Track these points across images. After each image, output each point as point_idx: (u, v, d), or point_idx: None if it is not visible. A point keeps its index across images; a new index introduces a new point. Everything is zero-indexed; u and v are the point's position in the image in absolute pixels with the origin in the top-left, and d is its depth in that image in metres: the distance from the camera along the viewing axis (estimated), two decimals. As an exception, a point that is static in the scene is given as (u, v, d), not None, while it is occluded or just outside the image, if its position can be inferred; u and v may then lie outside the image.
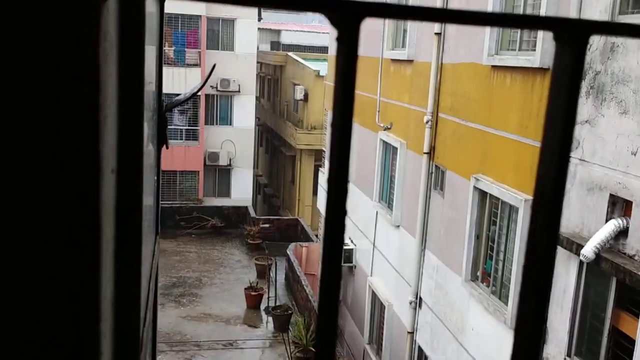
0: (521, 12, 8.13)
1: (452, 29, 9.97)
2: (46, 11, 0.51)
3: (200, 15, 25.53)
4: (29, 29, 0.51)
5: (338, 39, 0.42)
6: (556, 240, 0.51)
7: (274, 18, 44.85)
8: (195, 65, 25.71)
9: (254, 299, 17.83)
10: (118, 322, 0.79)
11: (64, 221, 0.56)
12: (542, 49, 7.35)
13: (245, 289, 18.05)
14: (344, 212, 0.45)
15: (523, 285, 0.51)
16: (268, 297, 17.76)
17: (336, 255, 0.45)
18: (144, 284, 1.33)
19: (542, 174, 0.51)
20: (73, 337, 0.59)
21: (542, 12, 7.38)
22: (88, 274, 0.58)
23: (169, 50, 25.49)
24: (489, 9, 8.54)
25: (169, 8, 26.91)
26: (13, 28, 0.50)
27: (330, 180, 0.45)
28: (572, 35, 0.48)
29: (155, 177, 1.97)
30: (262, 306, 17.88)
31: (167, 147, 2.06)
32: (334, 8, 0.42)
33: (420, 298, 11.01)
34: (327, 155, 17.99)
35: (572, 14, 6.84)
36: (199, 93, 25.44)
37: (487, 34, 8.60)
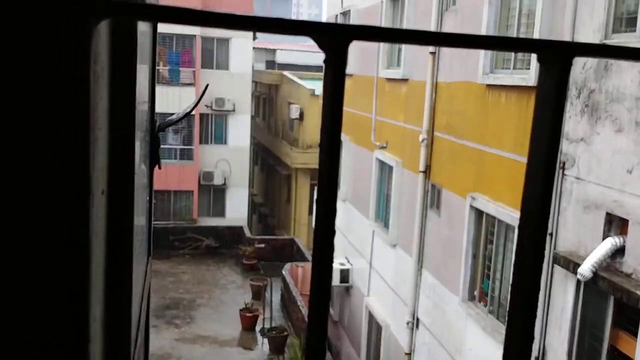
0: (515, 30, 8.18)
1: (447, 49, 10.03)
2: (37, 34, 0.51)
3: (195, 35, 25.66)
4: (19, 51, 0.52)
5: (325, 62, 0.42)
6: (542, 255, 0.52)
7: (269, 37, 45.17)
8: (190, 84, 25.78)
9: (249, 321, 17.66)
10: (108, 343, 0.77)
11: (53, 242, 0.56)
12: (536, 68, 7.38)
13: (240, 310, 17.90)
14: (332, 232, 0.45)
15: (512, 300, 0.52)
16: (263, 319, 17.60)
17: (326, 275, 0.45)
18: (135, 305, 1.30)
19: (528, 191, 0.51)
20: (61, 358, 0.59)
21: (536, 31, 7.43)
22: (76, 295, 0.58)
23: (163, 70, 25.56)
24: (483, 27, 8.60)
25: (163, 28, 27.18)
26: (4, 50, 0.51)
27: (319, 201, 0.44)
28: (556, 57, 0.49)
29: (148, 198, 1.94)
30: (258, 328, 17.71)
31: (159, 168, 2.03)
32: (321, 32, 0.41)
33: (418, 318, 10.92)
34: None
35: (566, 32, 6.88)
36: (194, 112, 25.48)
37: (482, 52, 8.64)
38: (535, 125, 0.51)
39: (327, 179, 0.42)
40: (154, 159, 1.94)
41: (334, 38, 0.42)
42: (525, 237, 0.52)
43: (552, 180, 0.52)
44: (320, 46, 0.42)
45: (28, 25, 0.50)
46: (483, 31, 8.63)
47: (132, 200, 0.89)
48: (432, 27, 10.24)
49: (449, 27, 9.92)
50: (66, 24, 0.51)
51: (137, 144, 1.49)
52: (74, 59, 0.53)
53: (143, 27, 1.51)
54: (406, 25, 11.43)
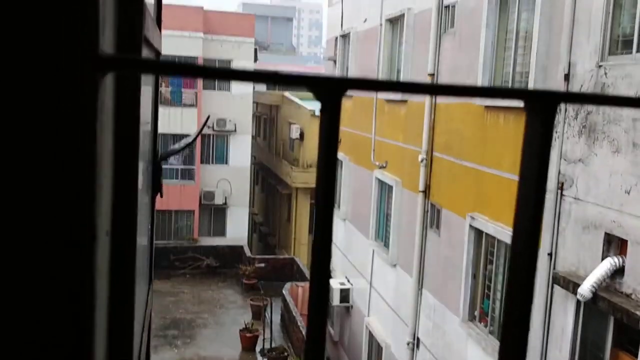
0: (512, 52, 8.27)
1: (445, 70, 10.12)
2: (45, 88, 0.53)
3: (197, 57, 25.88)
4: (29, 100, 0.53)
5: (321, 111, 0.45)
6: (532, 287, 0.53)
7: (270, 59, 45.49)
8: (192, 105, 25.93)
9: (249, 341, 17.56)
10: None
11: (57, 286, 0.57)
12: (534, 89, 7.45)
13: (240, 330, 17.81)
14: (328, 276, 0.47)
15: (505, 320, 0.53)
16: (263, 339, 17.50)
17: (323, 298, 0.47)
18: (136, 338, 1.32)
19: (516, 232, 0.54)
20: None
21: (533, 52, 7.51)
22: (80, 340, 0.59)
23: (165, 91, 25.73)
24: (481, 48, 8.70)
25: (165, 49, 27.34)
26: (16, 98, 0.53)
27: (314, 249, 0.47)
28: (541, 105, 0.52)
29: (149, 226, 1.97)
30: (258, 348, 17.60)
31: (161, 196, 2.06)
32: (317, 84, 0.45)
33: (418, 338, 10.87)
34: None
35: (563, 54, 6.97)
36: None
37: (480, 74, 8.73)
38: (522, 169, 0.54)
39: (322, 222, 0.45)
40: (155, 188, 1.97)
41: (329, 89, 0.45)
42: (516, 275, 0.53)
43: (539, 223, 0.54)
44: (317, 97, 0.46)
45: (35, 80, 0.53)
46: (481, 52, 8.73)
47: (135, 239, 0.92)
48: (430, 50, 10.35)
49: (448, 49, 10.03)
50: (72, 78, 0.53)
51: (140, 176, 1.53)
52: (81, 111, 0.55)
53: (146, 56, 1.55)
54: (405, 47, 11.56)
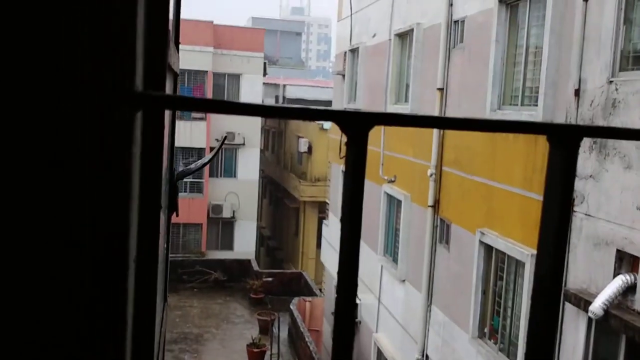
0: (522, 67, 8.26)
1: (454, 84, 10.12)
2: (85, 121, 0.56)
3: (207, 71, 26.06)
4: (72, 136, 0.56)
5: (348, 144, 0.46)
6: (558, 312, 0.52)
7: (279, 73, 45.72)
8: (201, 119, 26.06)
9: (256, 356, 17.47)
10: None
11: (91, 314, 0.59)
12: (544, 104, 7.43)
13: (247, 345, 17.73)
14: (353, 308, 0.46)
15: (529, 338, 0.53)
16: (271, 354, 17.40)
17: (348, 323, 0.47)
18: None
19: (540, 275, 0.53)
20: None
21: (543, 69, 7.50)
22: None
23: (175, 105, 25.89)
24: (491, 64, 8.69)
25: (176, 64, 27.46)
26: (61, 136, 0.55)
27: (339, 278, 0.46)
28: (564, 139, 0.51)
29: (165, 245, 1.97)
30: (265, 363, 17.50)
31: (177, 215, 2.07)
32: (344, 119, 0.45)
33: (427, 355, 10.77)
34: (332, 210, 17.78)
35: (573, 70, 6.95)
36: (204, 146, 25.69)
37: (490, 88, 8.72)
38: (545, 200, 0.53)
39: (348, 254, 0.45)
40: (172, 207, 1.97)
41: (356, 124, 0.46)
42: (539, 305, 0.53)
43: (563, 252, 0.53)
44: (343, 130, 0.46)
45: (76, 118, 0.55)
46: (490, 68, 8.72)
47: (157, 264, 0.94)
48: (439, 65, 10.36)
49: (457, 64, 10.04)
50: (110, 115, 0.56)
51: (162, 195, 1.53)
52: (119, 146, 0.57)
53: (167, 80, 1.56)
54: (414, 62, 11.58)
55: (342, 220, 0.47)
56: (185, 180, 26.48)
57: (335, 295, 0.46)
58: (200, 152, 26.09)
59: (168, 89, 1.47)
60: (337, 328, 0.47)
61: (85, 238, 0.57)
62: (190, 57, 25.41)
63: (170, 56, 1.14)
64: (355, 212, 0.45)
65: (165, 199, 1.78)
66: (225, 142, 26.70)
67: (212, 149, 26.47)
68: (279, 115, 0.47)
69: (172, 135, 2.02)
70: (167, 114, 1.60)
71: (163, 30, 0.96)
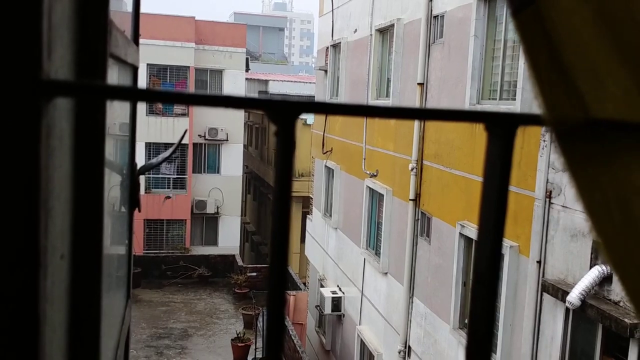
0: (500, 61, 8.36)
1: (434, 78, 10.21)
2: None
3: (189, 66, 25.91)
4: None
5: (276, 134, 0.47)
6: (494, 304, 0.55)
7: (262, 69, 45.58)
8: (183, 114, 25.92)
9: (241, 351, 17.50)
10: None
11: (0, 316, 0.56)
12: (522, 98, 7.54)
13: (232, 340, 17.75)
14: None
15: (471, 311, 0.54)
16: (255, 348, 17.45)
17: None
18: (109, 354, 1.31)
19: (480, 257, 0.55)
20: None
21: (521, 65, 7.60)
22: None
23: (157, 100, 25.71)
24: (469, 59, 8.78)
25: (157, 59, 27.15)
26: None
27: (270, 268, 0.49)
28: (502, 127, 0.54)
29: (127, 241, 1.97)
30: (250, 357, 17.54)
31: (139, 211, 2.08)
32: (271, 107, 0.47)
33: (409, 347, 10.89)
34: (316, 205, 17.75)
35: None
36: (187, 142, 25.58)
37: (469, 82, 8.82)
38: (484, 189, 0.56)
39: (277, 247, 0.47)
40: (133, 203, 1.97)
41: (283, 112, 0.48)
42: (477, 314, 0.54)
43: (500, 244, 0.55)
44: (272, 120, 0.48)
45: None
46: (469, 62, 8.81)
47: (100, 261, 0.92)
48: (420, 59, 10.44)
49: (437, 59, 10.12)
50: (12, 104, 0.52)
51: (117, 186, 1.54)
52: (21, 140, 0.53)
53: (122, 72, 1.57)
54: (394, 57, 11.65)
55: (272, 209, 0.49)
56: (168, 176, 26.35)
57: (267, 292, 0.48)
58: (183, 147, 25.96)
59: (119, 81, 1.46)
60: (270, 310, 0.49)
61: None
62: (171, 52, 25.25)
63: (116, 46, 1.11)
64: (284, 200, 0.48)
65: (125, 193, 1.79)
66: (209, 138, 26.60)
67: (195, 144, 26.37)
68: (204, 103, 0.48)
69: (132, 129, 2.03)
70: (121, 106, 1.61)
71: (101, 19, 0.93)
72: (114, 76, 1.34)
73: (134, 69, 1.89)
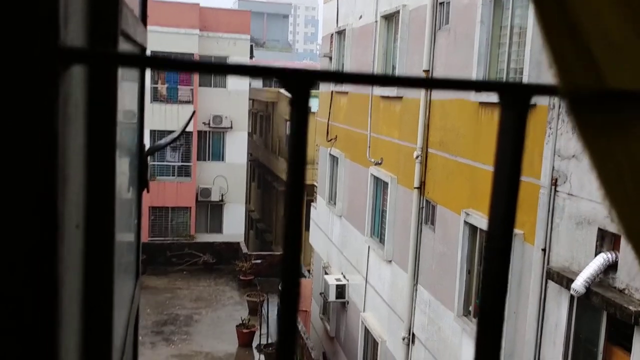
0: (507, 48, 8.30)
1: (440, 65, 10.15)
2: (4, 80, 0.53)
3: (193, 54, 25.85)
4: None
5: (291, 103, 0.47)
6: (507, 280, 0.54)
7: (266, 56, 45.43)
8: (188, 102, 25.90)
9: (245, 337, 17.61)
10: None
11: (19, 279, 0.56)
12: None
13: (237, 326, 17.85)
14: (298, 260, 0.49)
15: (482, 300, 0.53)
16: (260, 335, 17.55)
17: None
18: (119, 331, 1.32)
19: (491, 232, 0.54)
20: None
21: (527, 49, 7.54)
22: (45, 337, 0.58)
23: (162, 88, 25.70)
24: (476, 45, 8.72)
25: (161, 46, 27.11)
26: None
27: (285, 244, 0.48)
28: (515, 98, 0.53)
29: (136, 221, 1.98)
30: (255, 344, 17.65)
31: (147, 191, 2.08)
32: (287, 76, 0.47)
33: (413, 334, 10.93)
34: (320, 193, 17.77)
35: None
36: (191, 130, 25.58)
37: (475, 69, 8.76)
38: (497, 160, 0.55)
39: (290, 220, 0.46)
40: (142, 183, 1.98)
41: (298, 81, 0.47)
42: (493, 268, 0.54)
43: (513, 218, 0.54)
44: (287, 89, 0.48)
45: None
46: (475, 49, 8.75)
47: (112, 232, 0.93)
48: (425, 46, 10.37)
49: (442, 45, 10.06)
50: (32, 70, 0.53)
51: (124, 171, 1.54)
52: (41, 104, 0.54)
53: (129, 49, 1.56)
54: (400, 44, 11.58)
55: (286, 182, 0.49)
56: (173, 164, 26.38)
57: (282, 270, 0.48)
58: (187, 135, 25.96)
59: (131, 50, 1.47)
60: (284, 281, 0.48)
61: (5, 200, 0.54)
62: (175, 40, 25.18)
63: (126, 24, 1.12)
64: (299, 172, 0.48)
65: (133, 174, 1.79)
66: (214, 125, 26.58)
67: (199, 132, 26.36)
68: (213, 71, 0.47)
69: (141, 108, 2.03)
70: (133, 85, 1.60)
71: None
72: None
73: (142, 50, 1.88)
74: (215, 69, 0.47)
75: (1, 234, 0.55)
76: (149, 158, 2.15)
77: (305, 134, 0.48)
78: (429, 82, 0.51)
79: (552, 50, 0.49)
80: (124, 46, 1.22)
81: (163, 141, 2.76)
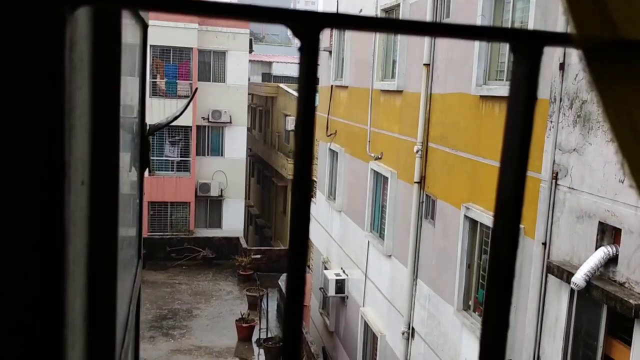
0: (507, 51, 8.25)
1: (440, 60, 10.12)
2: (8, 21, 0.52)
3: (192, 48, 25.79)
4: None
5: (300, 49, 0.45)
6: (516, 248, 0.52)
7: (266, 50, 45.36)
8: (187, 96, 25.83)
9: (245, 331, 17.62)
10: (91, 338, 0.78)
11: (26, 229, 0.56)
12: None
13: (236, 320, 17.86)
14: (307, 221, 0.46)
15: (487, 293, 0.52)
16: (260, 329, 17.56)
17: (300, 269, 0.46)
18: (122, 305, 1.31)
19: (502, 184, 0.53)
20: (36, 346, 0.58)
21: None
22: (52, 284, 0.57)
23: (160, 82, 25.64)
24: (475, 47, 8.68)
25: (160, 40, 27.05)
26: None
27: (294, 190, 0.46)
28: (528, 46, 0.51)
29: (138, 201, 1.97)
30: (254, 338, 17.66)
31: (149, 172, 2.07)
32: (295, 19, 0.44)
33: (413, 328, 10.92)
34: (320, 188, 17.77)
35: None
36: (190, 124, 25.54)
37: (475, 63, 8.73)
38: (508, 113, 0.53)
39: (300, 169, 0.45)
40: (144, 162, 1.97)
41: (307, 25, 0.45)
42: (500, 229, 0.52)
43: (524, 171, 0.53)
44: (295, 33, 0.45)
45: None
46: (476, 43, 8.72)
47: (117, 193, 0.91)
48: (426, 40, 10.34)
49: (443, 39, 10.01)
50: (39, 10, 0.53)
51: (127, 145, 1.52)
52: (47, 45, 0.53)
53: (132, 36, 1.54)
54: (400, 38, 11.54)
55: (295, 134, 0.47)
56: (172, 159, 26.35)
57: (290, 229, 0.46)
58: (186, 130, 25.94)
59: (135, 37, 1.45)
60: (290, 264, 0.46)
61: (11, 147, 0.54)
62: (174, 34, 25.11)
63: None
64: (308, 125, 0.46)
65: (136, 151, 1.78)
66: (213, 120, 26.53)
67: (198, 127, 26.32)
68: (227, 15, 0.46)
69: (142, 91, 2.01)
70: (134, 80, 1.58)
71: None
72: (127, 33, 1.32)
73: (145, 26, 1.87)
74: (220, 10, 0.45)
75: (9, 181, 0.54)
76: (150, 138, 2.14)
77: (314, 81, 0.46)
78: (436, 27, 0.49)
79: (568, 1, 0.47)
80: (131, 20, 1.20)
81: (164, 120, 2.74)
